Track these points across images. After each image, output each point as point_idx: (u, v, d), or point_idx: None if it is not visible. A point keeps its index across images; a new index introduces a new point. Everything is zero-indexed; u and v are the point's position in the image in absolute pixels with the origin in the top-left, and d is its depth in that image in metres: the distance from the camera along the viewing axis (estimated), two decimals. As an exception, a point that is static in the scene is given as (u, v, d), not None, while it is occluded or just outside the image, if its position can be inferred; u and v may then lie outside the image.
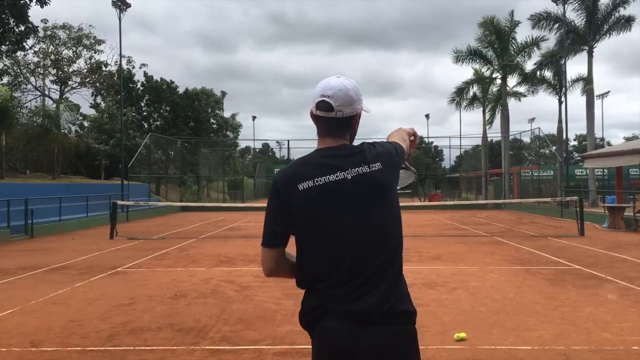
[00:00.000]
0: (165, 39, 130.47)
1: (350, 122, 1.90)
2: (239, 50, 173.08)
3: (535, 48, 31.67)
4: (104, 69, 35.86)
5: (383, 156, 1.88)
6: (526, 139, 47.97)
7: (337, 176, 1.82)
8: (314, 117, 1.90)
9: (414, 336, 1.82)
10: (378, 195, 1.83)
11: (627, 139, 59.73)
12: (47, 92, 35.87)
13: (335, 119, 1.85)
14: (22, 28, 22.43)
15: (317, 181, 1.83)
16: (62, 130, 27.90)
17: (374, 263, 1.79)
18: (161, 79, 41.68)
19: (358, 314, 1.75)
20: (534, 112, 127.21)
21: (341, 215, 1.81)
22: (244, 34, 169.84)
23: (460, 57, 33.34)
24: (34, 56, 33.22)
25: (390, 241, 1.83)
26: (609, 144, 50.55)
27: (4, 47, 23.31)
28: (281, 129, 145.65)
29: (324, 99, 1.85)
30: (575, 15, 28.42)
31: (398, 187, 2.03)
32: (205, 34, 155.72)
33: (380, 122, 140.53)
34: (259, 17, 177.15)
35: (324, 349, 1.78)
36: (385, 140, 2.10)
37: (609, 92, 54.87)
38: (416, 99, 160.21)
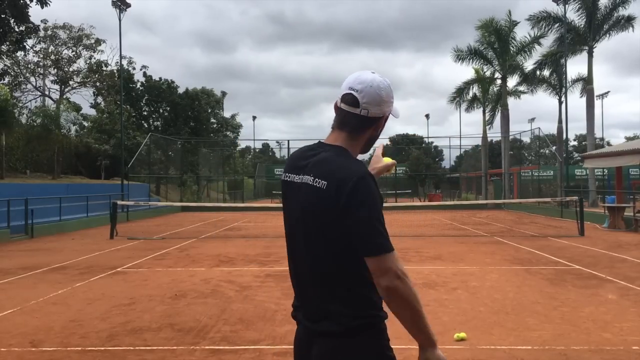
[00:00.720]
0: (163, 39, 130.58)
1: (373, 124, 1.75)
2: (237, 50, 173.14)
3: (535, 46, 31.65)
4: (104, 68, 35.86)
5: (333, 178, 1.63)
6: (526, 139, 48.02)
7: (300, 178, 1.72)
8: (336, 109, 1.77)
9: (358, 352, 1.64)
10: (314, 220, 1.67)
11: (629, 139, 59.73)
12: (47, 92, 35.92)
13: (358, 116, 1.72)
14: (23, 28, 22.44)
15: (287, 176, 1.79)
16: (62, 130, 27.89)
17: (310, 272, 1.72)
18: (161, 78, 41.71)
19: (304, 321, 1.76)
20: (534, 112, 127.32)
21: (291, 219, 1.76)
22: (242, 34, 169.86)
23: (461, 56, 33.34)
24: (34, 56, 33.27)
25: (325, 269, 1.67)
26: (609, 144, 50.59)
27: (4, 47, 23.31)
28: (281, 129, 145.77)
29: (352, 92, 1.72)
30: (575, 15, 28.48)
31: None
32: (204, 34, 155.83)
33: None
34: (257, 17, 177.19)
35: (294, 349, 1.84)
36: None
37: (609, 92, 54.90)
38: (415, 99, 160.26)
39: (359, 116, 1.72)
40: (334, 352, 1.65)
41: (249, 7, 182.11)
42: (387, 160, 2.03)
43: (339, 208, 1.58)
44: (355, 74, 1.76)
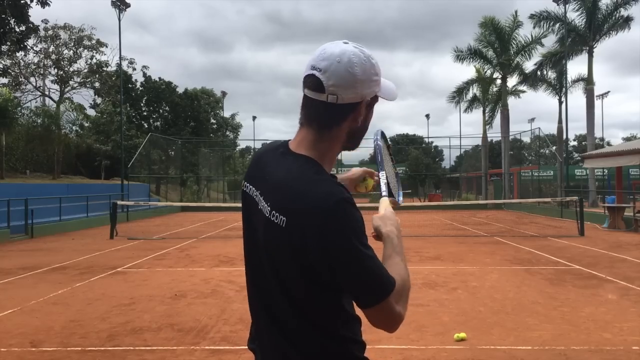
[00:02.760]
0: (160, 39, 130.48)
1: (348, 113, 1.30)
2: (235, 50, 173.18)
3: (537, 46, 31.67)
4: (105, 69, 35.87)
5: (293, 213, 1.24)
6: (526, 139, 48.03)
7: (258, 198, 1.36)
8: (303, 96, 1.34)
9: None
10: (276, 259, 1.30)
11: (626, 139, 59.72)
12: (47, 92, 35.93)
13: (326, 104, 1.27)
14: (23, 28, 22.43)
15: (245, 186, 1.45)
16: (62, 130, 27.92)
17: (269, 311, 1.35)
18: (160, 78, 41.71)
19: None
20: (534, 112, 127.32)
21: (251, 243, 1.43)
22: (239, 33, 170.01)
23: (461, 56, 33.37)
24: (34, 56, 33.27)
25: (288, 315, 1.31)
26: (608, 144, 50.60)
27: (4, 47, 23.31)
28: (280, 129, 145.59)
29: (314, 72, 1.27)
30: (575, 15, 28.49)
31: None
32: (200, 34, 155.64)
33: (379, 122, 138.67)
34: (254, 16, 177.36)
35: None
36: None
37: (609, 92, 54.88)
38: (414, 99, 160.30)
39: (327, 104, 1.27)
40: None
41: (246, 6, 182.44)
42: (371, 183, 1.68)
43: (307, 253, 1.21)
44: (321, 47, 1.31)
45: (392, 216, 1.37)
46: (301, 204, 1.21)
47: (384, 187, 1.50)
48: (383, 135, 1.64)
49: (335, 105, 1.27)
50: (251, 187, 1.40)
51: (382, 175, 1.51)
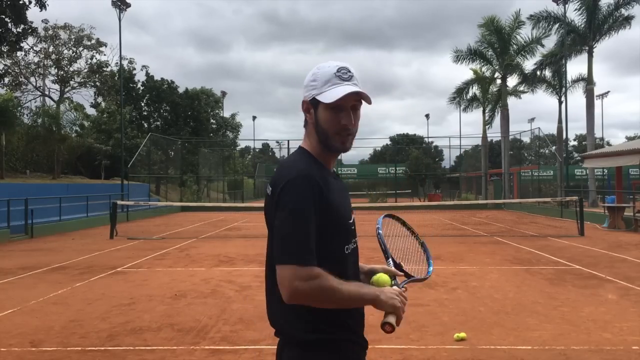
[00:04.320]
0: (157, 38, 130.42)
1: (303, 112, 1.69)
2: (232, 49, 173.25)
3: (537, 46, 31.66)
4: (105, 69, 35.86)
5: (273, 186, 1.59)
6: (526, 139, 48.09)
7: None
8: None
9: None
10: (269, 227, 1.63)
11: (630, 139, 59.72)
12: (47, 92, 35.92)
13: None
14: (20, 29, 22.42)
15: None
16: (62, 130, 27.91)
17: (266, 280, 1.68)
18: (162, 78, 41.71)
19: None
20: (534, 112, 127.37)
21: None
22: (236, 33, 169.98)
23: (461, 56, 33.38)
24: (34, 56, 33.26)
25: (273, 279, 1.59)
26: (608, 143, 50.63)
27: (4, 48, 23.31)
28: (280, 129, 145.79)
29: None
30: (575, 15, 28.48)
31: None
32: (197, 33, 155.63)
33: (378, 122, 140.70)
34: (251, 16, 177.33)
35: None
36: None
37: (609, 92, 54.90)
38: (413, 99, 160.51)
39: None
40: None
41: (242, 6, 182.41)
42: (382, 279, 1.72)
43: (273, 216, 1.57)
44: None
45: (395, 303, 1.59)
46: (277, 178, 1.59)
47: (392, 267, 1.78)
48: (392, 216, 2.02)
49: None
50: None
51: (390, 263, 1.80)
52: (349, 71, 1.63)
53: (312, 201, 1.51)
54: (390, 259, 1.81)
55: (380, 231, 1.85)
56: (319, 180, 1.55)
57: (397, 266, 1.81)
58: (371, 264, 1.83)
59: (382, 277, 1.71)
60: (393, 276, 1.73)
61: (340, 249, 1.63)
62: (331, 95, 1.59)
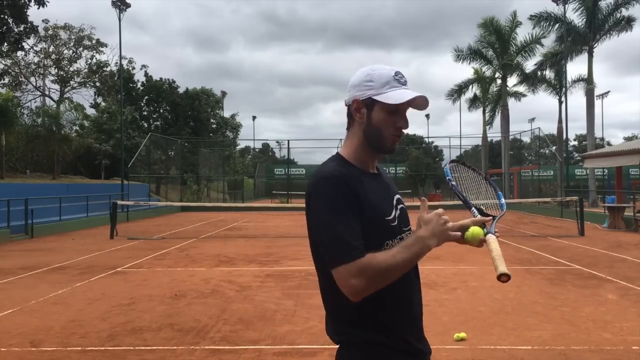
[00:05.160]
0: (155, 38, 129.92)
1: (350, 112, 1.69)
2: (231, 49, 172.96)
3: (537, 46, 31.69)
4: (105, 69, 35.85)
5: (305, 195, 1.63)
6: (526, 139, 48.03)
7: None
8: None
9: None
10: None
11: (627, 139, 59.70)
12: (47, 92, 35.92)
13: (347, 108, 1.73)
14: (22, 28, 22.41)
15: None
16: (62, 130, 27.90)
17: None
18: (161, 78, 41.70)
19: None
20: (534, 112, 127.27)
21: None
22: (235, 33, 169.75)
23: (461, 56, 33.40)
24: (34, 56, 33.26)
25: (319, 282, 1.67)
26: (608, 143, 50.56)
27: (4, 48, 23.30)
28: (279, 129, 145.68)
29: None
30: (575, 15, 28.48)
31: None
32: (195, 33, 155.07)
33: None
34: (250, 16, 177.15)
35: None
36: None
37: (609, 92, 54.88)
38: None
39: (347, 108, 1.69)
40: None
41: (241, 6, 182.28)
42: (475, 232, 1.66)
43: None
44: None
45: (436, 225, 1.58)
46: (307, 189, 1.60)
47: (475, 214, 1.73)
48: (457, 161, 1.98)
49: (348, 108, 1.68)
50: None
51: (474, 212, 1.75)
52: (404, 76, 1.67)
53: (340, 198, 1.52)
54: (473, 208, 1.77)
55: (452, 182, 1.83)
56: (346, 179, 1.55)
57: (480, 212, 1.77)
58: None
59: (474, 230, 1.67)
60: (483, 224, 1.68)
61: (378, 247, 1.58)
62: (395, 96, 1.61)
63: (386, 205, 1.68)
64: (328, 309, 1.64)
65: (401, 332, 1.62)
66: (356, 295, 1.48)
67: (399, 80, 1.64)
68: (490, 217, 1.72)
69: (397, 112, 1.64)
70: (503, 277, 1.53)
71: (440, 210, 1.61)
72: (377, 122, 1.63)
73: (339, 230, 1.49)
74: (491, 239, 1.62)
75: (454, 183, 1.81)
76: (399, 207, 1.74)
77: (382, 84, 1.62)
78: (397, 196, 1.77)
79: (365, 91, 1.63)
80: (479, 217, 1.71)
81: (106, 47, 35.68)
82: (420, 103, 1.67)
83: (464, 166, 2.00)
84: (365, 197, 1.57)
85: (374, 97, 1.61)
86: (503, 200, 1.85)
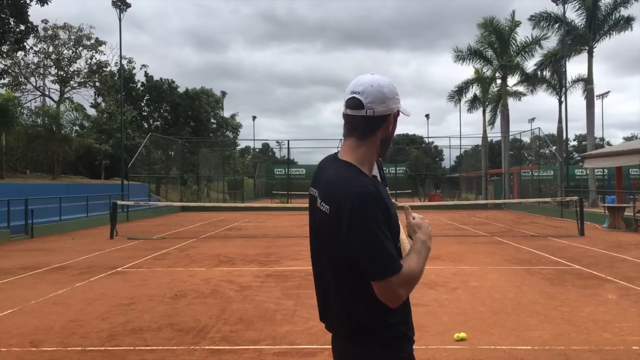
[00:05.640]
0: (154, 38, 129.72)
1: (381, 123, 1.74)
2: (230, 49, 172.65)
3: (537, 47, 31.70)
4: (104, 69, 35.84)
5: (333, 203, 1.67)
6: (526, 139, 48.04)
7: (315, 192, 1.79)
8: (344, 117, 1.78)
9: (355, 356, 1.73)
10: (322, 239, 1.75)
11: (627, 139, 59.69)
12: (47, 92, 35.92)
13: (365, 117, 1.71)
14: (22, 28, 22.41)
15: (311, 189, 1.85)
16: (63, 131, 27.90)
17: (324, 284, 1.84)
18: (161, 78, 41.69)
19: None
20: (534, 112, 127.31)
21: (311, 231, 1.84)
22: (234, 33, 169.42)
23: (461, 56, 33.40)
24: (34, 56, 33.25)
25: (334, 284, 1.76)
26: (608, 143, 50.57)
27: (4, 47, 23.30)
28: (279, 129, 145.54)
29: (354, 95, 1.71)
30: (575, 16, 28.49)
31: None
32: (194, 33, 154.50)
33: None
34: (249, 15, 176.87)
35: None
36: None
37: (609, 92, 54.90)
38: (412, 99, 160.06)
39: (366, 117, 1.71)
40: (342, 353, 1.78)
41: (240, 5, 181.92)
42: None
43: (342, 234, 1.62)
44: (355, 78, 1.77)
45: (428, 228, 1.77)
46: (338, 197, 1.64)
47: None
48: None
49: (372, 118, 1.72)
50: (312, 188, 1.83)
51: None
52: None
53: (381, 214, 1.62)
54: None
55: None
56: (380, 194, 1.66)
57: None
58: None
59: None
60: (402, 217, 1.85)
61: (396, 247, 1.72)
62: (408, 109, 1.81)
63: (395, 214, 1.80)
64: (347, 313, 1.70)
65: (409, 324, 1.78)
66: (399, 302, 1.63)
67: None
68: (401, 207, 1.91)
69: None
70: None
71: (420, 215, 1.80)
72: (393, 131, 1.80)
73: (385, 245, 1.59)
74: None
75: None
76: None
77: (400, 101, 1.79)
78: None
79: (397, 104, 1.76)
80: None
81: (105, 44, 35.65)
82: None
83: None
84: (390, 208, 1.70)
85: (399, 109, 1.78)
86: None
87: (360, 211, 1.59)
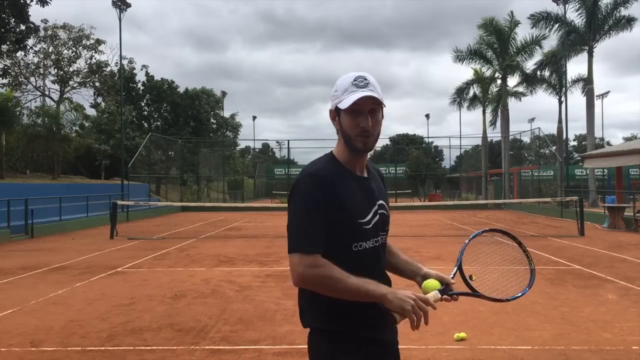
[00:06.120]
0: (153, 38, 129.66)
1: (333, 119, 1.84)
2: (229, 49, 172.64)
3: (537, 47, 31.70)
4: (104, 69, 35.83)
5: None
6: (526, 139, 48.06)
7: None
8: None
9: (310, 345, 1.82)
10: None
11: (627, 139, 59.68)
12: (47, 92, 35.90)
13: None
14: (23, 28, 22.42)
15: None
16: (63, 131, 27.90)
17: None
18: (162, 78, 41.69)
19: None
20: (534, 112, 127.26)
21: None
22: (233, 33, 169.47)
23: (461, 57, 33.40)
24: (34, 56, 33.25)
25: None
26: (608, 143, 50.57)
27: (4, 47, 23.30)
28: (279, 129, 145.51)
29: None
30: (575, 15, 28.48)
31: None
32: (193, 33, 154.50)
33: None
34: (248, 15, 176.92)
35: None
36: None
37: (609, 92, 54.88)
38: (411, 99, 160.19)
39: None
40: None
41: (239, 5, 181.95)
42: (430, 285, 1.82)
43: None
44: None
45: (399, 293, 1.68)
46: (298, 175, 1.77)
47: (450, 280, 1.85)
48: (501, 230, 2.11)
49: (331, 112, 1.82)
50: None
51: (454, 271, 1.90)
52: (365, 79, 1.75)
53: (318, 197, 1.67)
54: (456, 268, 1.91)
55: (467, 241, 2.01)
56: (329, 179, 1.70)
57: (464, 278, 1.89)
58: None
59: (431, 282, 1.79)
60: (444, 283, 1.81)
61: (347, 247, 1.73)
62: (346, 101, 1.73)
63: (363, 208, 1.77)
64: (304, 298, 1.78)
65: (368, 324, 1.74)
66: (299, 282, 1.67)
67: (358, 84, 1.73)
68: (454, 282, 1.85)
69: (360, 114, 1.73)
70: (391, 318, 1.67)
71: (433, 302, 1.76)
72: (345, 127, 1.77)
73: (307, 225, 1.66)
74: (432, 295, 1.76)
75: (467, 242, 2.03)
76: (380, 212, 1.83)
77: (342, 92, 1.75)
78: (381, 202, 1.85)
79: (333, 101, 1.79)
80: (444, 276, 1.86)
81: (104, 44, 35.63)
82: (378, 99, 1.75)
83: (516, 244, 2.22)
84: (344, 197, 1.71)
85: (338, 105, 1.77)
86: (520, 294, 2.06)
87: (296, 189, 1.71)
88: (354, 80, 1.74)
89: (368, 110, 1.73)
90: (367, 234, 1.76)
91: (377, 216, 1.80)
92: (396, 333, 1.87)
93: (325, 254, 1.67)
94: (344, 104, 1.73)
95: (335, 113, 1.79)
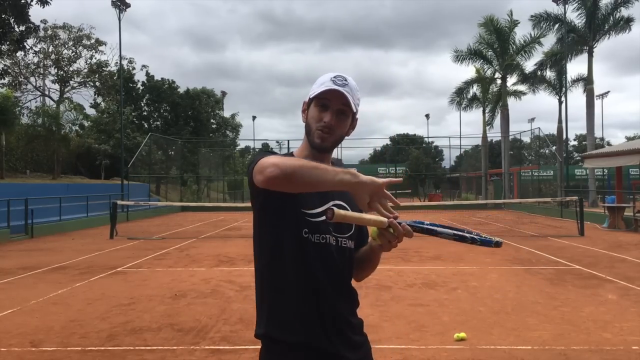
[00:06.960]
0: (152, 38, 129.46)
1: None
2: (228, 49, 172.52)
3: (537, 46, 31.72)
4: (104, 69, 35.83)
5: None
6: (526, 139, 47.97)
7: None
8: None
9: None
10: None
11: (629, 139, 59.69)
12: (47, 92, 35.91)
13: None
14: (23, 28, 22.40)
15: None
16: (62, 131, 27.91)
17: None
18: (162, 78, 41.70)
19: None
20: (534, 112, 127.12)
21: None
22: (232, 32, 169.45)
23: (461, 56, 33.40)
24: (34, 56, 33.25)
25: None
26: (608, 143, 50.57)
27: (4, 47, 23.29)
28: (278, 129, 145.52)
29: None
30: (575, 16, 28.49)
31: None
32: (192, 33, 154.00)
33: (376, 121, 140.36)
34: (247, 15, 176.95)
35: None
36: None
37: (609, 92, 54.86)
38: (411, 98, 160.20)
39: None
40: None
41: (238, 5, 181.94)
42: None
43: None
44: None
45: (374, 183, 1.47)
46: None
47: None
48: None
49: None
50: None
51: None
52: (345, 80, 1.70)
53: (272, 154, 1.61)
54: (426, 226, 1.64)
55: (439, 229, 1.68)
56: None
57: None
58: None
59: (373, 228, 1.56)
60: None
61: (298, 231, 1.63)
62: (317, 90, 1.69)
63: (312, 201, 1.67)
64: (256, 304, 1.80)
65: (305, 332, 1.67)
66: (276, 169, 1.44)
67: (336, 81, 1.69)
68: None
69: (327, 108, 1.68)
70: (328, 211, 1.45)
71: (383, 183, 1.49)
72: (309, 118, 1.73)
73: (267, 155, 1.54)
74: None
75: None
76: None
77: (318, 85, 1.71)
78: (338, 202, 1.69)
79: (309, 95, 1.75)
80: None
81: (105, 45, 35.61)
82: (347, 100, 1.66)
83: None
84: None
85: (310, 96, 1.73)
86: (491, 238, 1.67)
87: (255, 157, 1.61)
88: (334, 77, 1.70)
89: (336, 110, 1.67)
90: (317, 227, 1.65)
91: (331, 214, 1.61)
92: (356, 345, 1.72)
93: (276, 238, 1.64)
94: (314, 93, 1.69)
95: (306, 105, 1.76)
